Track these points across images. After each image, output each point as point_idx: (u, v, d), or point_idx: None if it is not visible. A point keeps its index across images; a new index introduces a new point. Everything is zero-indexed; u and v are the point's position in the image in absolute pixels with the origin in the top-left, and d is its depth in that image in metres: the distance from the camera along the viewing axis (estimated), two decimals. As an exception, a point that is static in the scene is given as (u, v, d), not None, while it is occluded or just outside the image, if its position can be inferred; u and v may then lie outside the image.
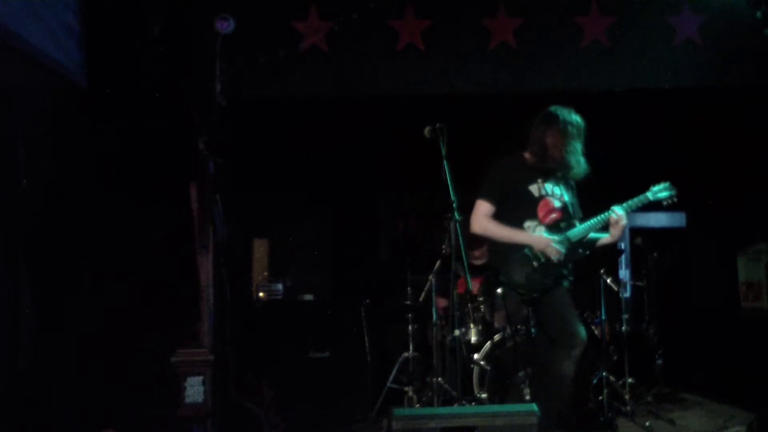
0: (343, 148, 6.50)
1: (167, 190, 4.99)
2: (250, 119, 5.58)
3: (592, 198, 4.60)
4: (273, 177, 6.42)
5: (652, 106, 5.89)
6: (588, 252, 4.42)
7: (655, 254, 6.02)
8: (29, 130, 4.62)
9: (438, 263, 5.48)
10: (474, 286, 5.44)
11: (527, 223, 4.39)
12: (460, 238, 4.28)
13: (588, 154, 4.50)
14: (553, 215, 4.40)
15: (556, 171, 4.45)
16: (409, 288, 5.69)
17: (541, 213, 4.40)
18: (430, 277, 5.52)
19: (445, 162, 4.34)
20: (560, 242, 4.32)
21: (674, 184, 4.42)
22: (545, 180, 4.44)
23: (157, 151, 4.95)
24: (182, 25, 4.95)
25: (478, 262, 5.68)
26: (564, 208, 4.43)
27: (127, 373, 4.66)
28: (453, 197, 4.28)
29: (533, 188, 4.42)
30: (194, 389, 4.68)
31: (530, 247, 4.33)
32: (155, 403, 4.69)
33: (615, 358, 5.58)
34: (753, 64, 5.20)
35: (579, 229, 4.37)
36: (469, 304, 5.49)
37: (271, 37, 5.12)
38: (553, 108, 4.47)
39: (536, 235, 4.36)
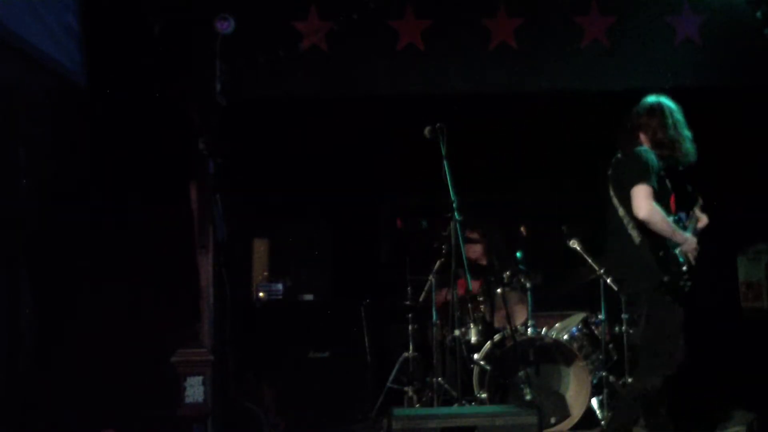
0: (343, 148, 6.50)
1: (167, 190, 4.99)
2: (250, 119, 5.58)
3: (591, 198, 4.61)
4: (273, 177, 6.41)
5: (651, 106, 5.88)
6: None
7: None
8: (29, 130, 4.62)
9: (438, 263, 5.48)
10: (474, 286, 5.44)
11: (669, 218, 4.20)
12: (460, 238, 4.28)
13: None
14: (673, 209, 4.30)
15: (671, 161, 4.28)
16: (409, 288, 5.69)
17: (673, 208, 4.29)
18: (430, 277, 5.52)
19: (445, 162, 4.34)
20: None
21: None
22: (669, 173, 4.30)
23: (157, 151, 4.95)
24: (182, 25, 4.95)
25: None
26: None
27: (127, 373, 4.66)
28: (453, 197, 4.28)
29: (668, 181, 4.27)
30: (194, 389, 4.68)
31: (680, 248, 4.20)
32: (155, 403, 4.69)
33: (615, 358, 5.57)
34: (753, 64, 5.20)
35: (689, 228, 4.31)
36: (469, 304, 5.50)
37: (271, 37, 5.12)
38: (653, 100, 4.35)
39: (688, 235, 4.24)
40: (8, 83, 4.41)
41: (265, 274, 6.55)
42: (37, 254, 4.70)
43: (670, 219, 4.21)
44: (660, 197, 4.16)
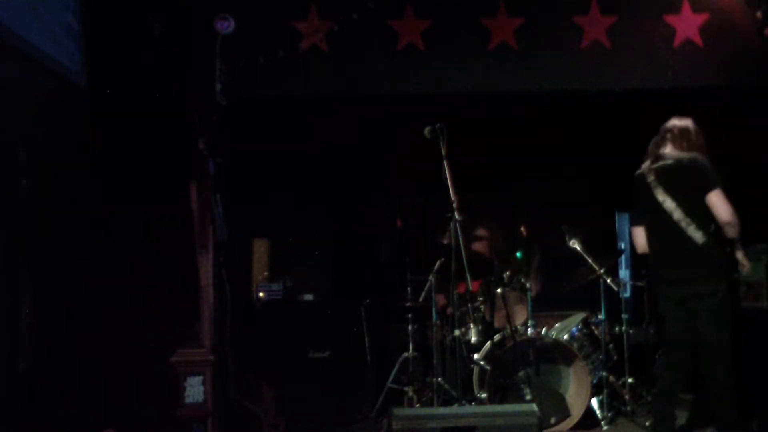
0: (343, 148, 6.50)
1: (167, 190, 4.99)
2: (250, 119, 5.58)
3: (592, 198, 4.63)
4: (273, 177, 6.41)
5: (652, 106, 5.88)
6: None
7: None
8: (29, 130, 4.62)
9: (438, 263, 5.48)
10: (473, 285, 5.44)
11: None
12: (460, 237, 4.28)
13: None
14: None
15: None
16: (409, 288, 5.69)
17: None
18: (430, 277, 5.52)
19: (445, 162, 4.34)
20: None
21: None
22: None
23: (157, 151, 4.95)
24: (182, 25, 4.95)
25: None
26: None
27: (127, 373, 4.66)
28: (453, 197, 4.28)
29: None
30: (194, 389, 4.68)
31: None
32: (155, 403, 4.69)
33: (615, 358, 5.57)
34: (753, 64, 5.20)
35: None
36: (469, 304, 5.50)
37: (271, 37, 5.12)
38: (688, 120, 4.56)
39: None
40: (8, 83, 4.40)
41: (265, 274, 6.55)
42: (37, 254, 4.70)
43: None
44: None
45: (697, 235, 4.32)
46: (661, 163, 4.48)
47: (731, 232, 4.32)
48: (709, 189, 4.30)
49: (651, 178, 4.47)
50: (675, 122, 4.54)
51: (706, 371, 4.41)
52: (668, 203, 4.39)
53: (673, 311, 4.47)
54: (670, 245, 4.45)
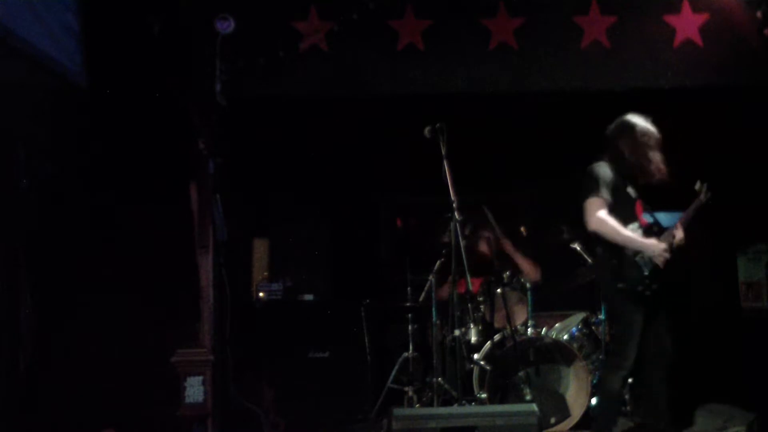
0: (343, 148, 6.50)
1: (167, 190, 4.99)
2: (250, 119, 5.58)
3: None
4: (273, 177, 6.41)
5: (652, 106, 5.88)
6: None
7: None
8: (29, 131, 4.62)
9: (438, 263, 5.48)
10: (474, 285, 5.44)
11: (631, 225, 4.34)
12: (460, 238, 4.28)
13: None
14: (645, 218, 4.41)
15: (636, 178, 4.42)
16: (409, 288, 5.69)
17: (638, 215, 4.40)
18: (430, 277, 5.52)
19: (444, 162, 4.34)
20: (668, 249, 4.31)
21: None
22: (634, 184, 4.42)
23: (157, 151, 4.95)
24: (182, 25, 4.95)
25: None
26: (650, 211, 4.45)
27: (127, 373, 4.67)
28: (453, 197, 4.28)
29: (630, 190, 4.40)
30: (194, 389, 4.68)
31: (642, 253, 4.29)
32: (155, 403, 4.70)
33: (615, 358, 5.56)
34: (753, 64, 5.20)
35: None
36: (469, 304, 5.49)
37: (271, 37, 5.12)
38: (626, 118, 4.47)
39: (652, 241, 4.31)
40: (8, 83, 4.41)
41: (265, 274, 6.55)
42: (37, 254, 4.70)
43: (634, 226, 4.34)
44: (619, 207, 4.32)
45: (599, 243, 4.40)
46: None
47: (608, 239, 4.30)
48: (585, 197, 4.33)
49: None
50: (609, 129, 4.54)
51: None
52: None
53: None
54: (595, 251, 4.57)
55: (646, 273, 4.27)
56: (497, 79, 5.29)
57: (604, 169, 4.37)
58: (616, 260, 4.31)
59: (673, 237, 4.39)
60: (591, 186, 4.32)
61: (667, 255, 4.29)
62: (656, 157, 4.38)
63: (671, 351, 4.36)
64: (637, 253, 4.29)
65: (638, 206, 4.42)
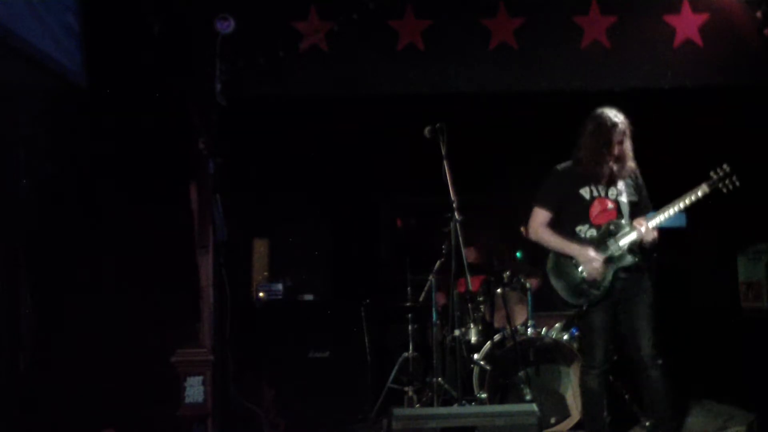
0: (343, 148, 6.50)
1: (167, 190, 4.99)
2: (250, 119, 5.58)
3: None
4: (273, 177, 6.42)
5: (652, 106, 5.89)
6: (637, 256, 4.33)
7: (654, 254, 6.00)
8: (29, 131, 4.63)
9: (438, 263, 5.48)
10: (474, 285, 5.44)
11: (579, 227, 4.35)
12: (460, 238, 4.28)
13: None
14: (605, 216, 4.36)
15: (604, 173, 4.34)
16: (409, 288, 5.69)
17: (593, 214, 4.36)
18: (430, 277, 5.52)
19: (444, 162, 4.34)
20: (607, 260, 4.28)
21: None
22: (597, 182, 4.36)
23: (157, 151, 4.95)
24: (182, 25, 4.95)
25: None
26: (616, 209, 4.36)
27: (127, 373, 4.67)
28: (453, 197, 4.28)
29: (584, 191, 4.36)
30: (194, 389, 4.68)
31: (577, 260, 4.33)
32: (155, 403, 4.70)
33: (615, 358, 5.57)
34: (753, 64, 5.20)
35: (620, 244, 4.30)
36: (469, 304, 5.50)
37: (271, 37, 5.12)
38: (597, 110, 4.39)
39: (584, 250, 4.29)
40: (8, 83, 4.41)
41: (265, 274, 6.56)
42: (37, 254, 4.70)
43: (584, 227, 4.34)
44: (570, 209, 4.38)
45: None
46: None
47: (546, 247, 4.43)
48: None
49: None
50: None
51: None
52: None
53: None
54: None
55: (585, 275, 4.30)
56: (497, 79, 5.29)
57: (555, 173, 4.47)
58: (553, 267, 4.44)
59: (636, 234, 4.30)
60: (536, 193, 4.49)
61: (596, 265, 4.26)
62: (614, 150, 4.27)
63: (653, 350, 4.29)
64: (572, 259, 4.35)
65: (598, 205, 4.36)
